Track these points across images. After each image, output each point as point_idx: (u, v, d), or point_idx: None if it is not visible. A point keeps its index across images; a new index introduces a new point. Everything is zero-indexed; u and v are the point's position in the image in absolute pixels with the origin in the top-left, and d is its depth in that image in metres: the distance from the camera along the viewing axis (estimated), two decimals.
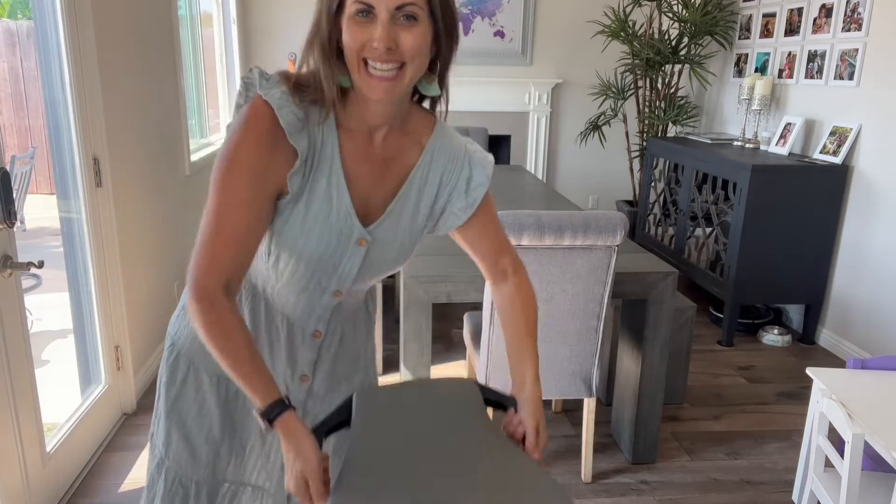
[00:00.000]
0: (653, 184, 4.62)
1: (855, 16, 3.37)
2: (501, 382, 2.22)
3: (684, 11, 4.58)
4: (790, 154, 3.72)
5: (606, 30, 4.74)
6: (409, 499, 0.91)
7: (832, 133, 3.49)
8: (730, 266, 3.52)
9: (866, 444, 1.84)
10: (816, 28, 3.67)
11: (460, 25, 0.93)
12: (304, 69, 0.99)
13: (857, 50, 3.35)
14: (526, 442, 1.09)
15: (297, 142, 0.97)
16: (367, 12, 0.91)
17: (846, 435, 1.71)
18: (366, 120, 1.03)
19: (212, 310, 0.96)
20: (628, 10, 5.25)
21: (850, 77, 3.39)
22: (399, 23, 0.92)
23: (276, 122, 0.96)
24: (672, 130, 5.15)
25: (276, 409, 1.00)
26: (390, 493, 0.92)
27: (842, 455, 1.79)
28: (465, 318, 2.60)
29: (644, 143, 4.97)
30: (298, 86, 0.98)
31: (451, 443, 0.99)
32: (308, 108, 0.99)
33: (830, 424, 1.91)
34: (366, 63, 0.93)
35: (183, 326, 1.19)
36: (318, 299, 1.13)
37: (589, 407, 2.30)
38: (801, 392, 3.08)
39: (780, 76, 4.00)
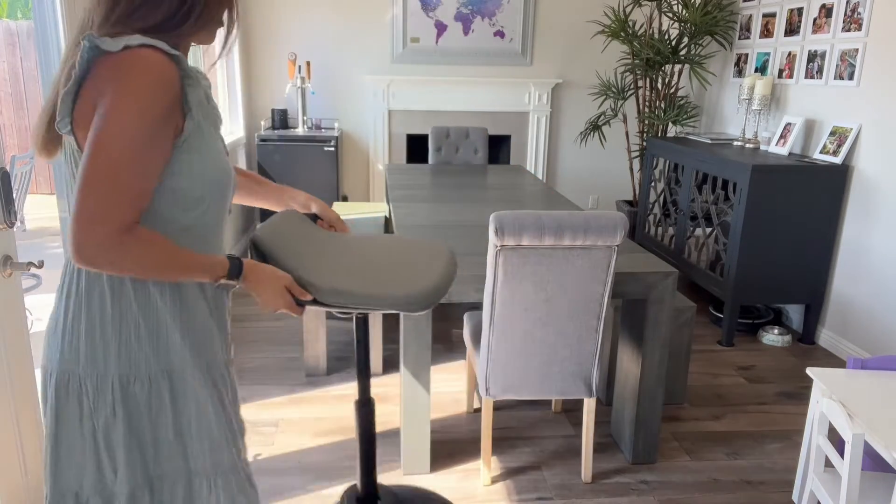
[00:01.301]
0: (653, 184, 4.62)
1: (855, 16, 3.37)
2: (502, 382, 2.22)
3: (684, 11, 4.58)
4: (790, 154, 3.72)
5: (606, 30, 4.74)
6: (342, 245, 1.47)
7: (832, 133, 3.50)
8: (730, 266, 3.52)
9: (866, 444, 1.84)
10: (816, 28, 3.67)
11: None
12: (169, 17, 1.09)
13: (857, 50, 3.35)
14: (338, 227, 1.54)
15: (188, 78, 1.13)
16: None
17: (846, 435, 1.71)
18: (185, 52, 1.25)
19: (112, 247, 1.01)
20: (628, 10, 5.25)
21: (850, 77, 3.39)
22: None
23: (173, 65, 1.08)
24: (672, 130, 5.15)
25: (234, 263, 1.16)
26: (329, 250, 1.44)
27: (842, 455, 1.79)
28: (465, 318, 2.61)
29: (644, 143, 4.97)
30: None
31: (326, 234, 1.51)
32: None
33: (830, 424, 1.91)
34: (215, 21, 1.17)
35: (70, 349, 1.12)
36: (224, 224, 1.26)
37: (589, 407, 2.30)
38: (801, 392, 3.08)
39: (780, 76, 4.00)
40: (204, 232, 1.17)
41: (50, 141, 1.14)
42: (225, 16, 1.17)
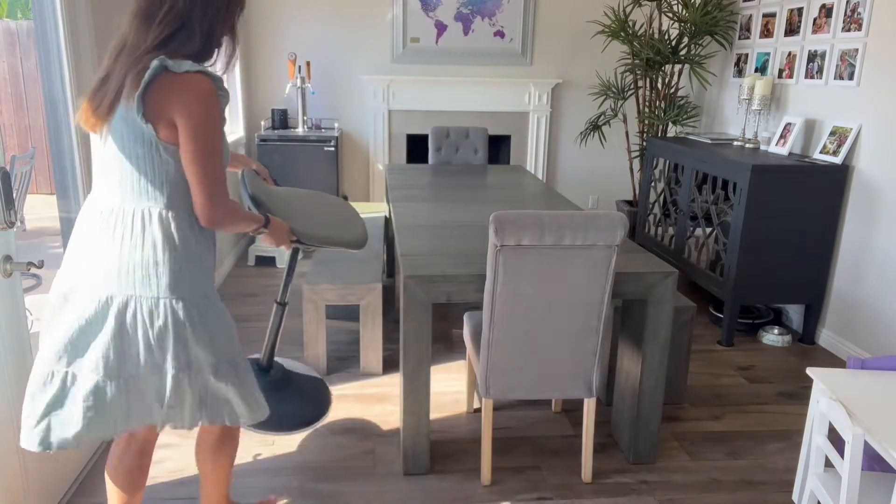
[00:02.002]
0: (653, 184, 4.62)
1: (855, 16, 3.37)
2: (502, 382, 2.22)
3: (684, 11, 4.58)
4: (790, 154, 3.72)
5: (606, 30, 4.74)
6: (297, 201, 2.19)
7: (832, 133, 3.49)
8: (730, 266, 3.52)
9: (866, 444, 1.84)
10: (816, 28, 3.67)
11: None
12: (204, 39, 1.51)
13: (857, 50, 3.35)
14: (267, 179, 2.14)
15: (223, 98, 1.54)
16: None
17: (846, 435, 1.71)
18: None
19: (226, 209, 1.54)
20: (628, 10, 5.25)
21: (850, 77, 3.39)
22: None
23: (219, 91, 1.52)
24: (672, 130, 5.15)
25: (266, 218, 1.76)
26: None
27: (842, 455, 1.79)
28: (465, 318, 2.60)
29: (644, 143, 4.97)
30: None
31: (281, 190, 2.21)
32: None
33: (830, 424, 1.91)
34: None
35: (180, 278, 1.55)
36: None
37: (589, 407, 2.30)
38: (801, 392, 3.08)
39: (780, 76, 4.00)
40: None
41: (101, 120, 1.50)
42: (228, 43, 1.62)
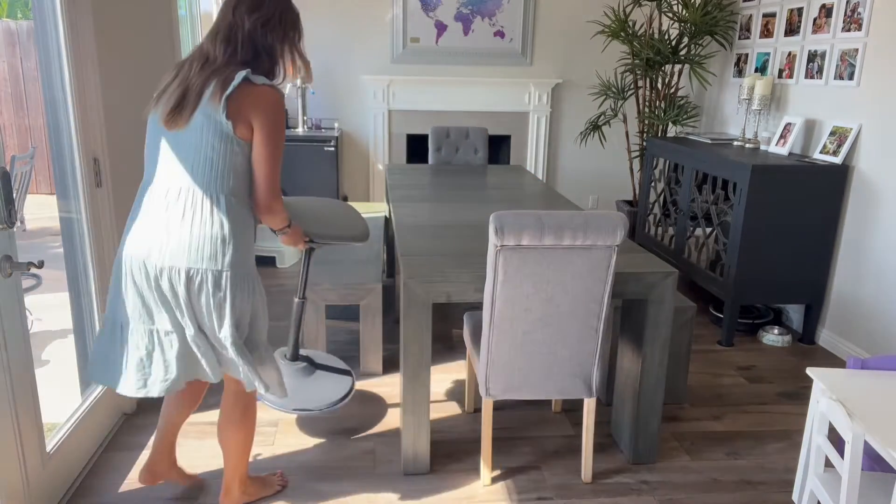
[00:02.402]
0: (653, 184, 4.62)
1: (855, 16, 3.37)
2: (502, 382, 2.22)
3: (684, 11, 4.58)
4: (790, 154, 3.72)
5: (606, 30, 4.74)
6: (308, 206, 2.45)
7: (832, 133, 3.49)
8: (730, 266, 3.52)
9: (866, 444, 1.84)
10: (816, 28, 3.67)
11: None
12: (271, 59, 1.87)
13: (857, 50, 3.35)
14: None
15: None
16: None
17: (846, 435, 1.71)
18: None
19: (280, 202, 1.84)
20: (628, 10, 5.25)
21: (850, 77, 3.39)
22: None
23: (282, 97, 1.81)
24: (672, 130, 5.15)
25: (288, 224, 1.96)
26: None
27: (842, 455, 1.79)
28: (465, 318, 2.60)
29: (644, 143, 4.97)
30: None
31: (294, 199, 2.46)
32: None
33: (830, 424, 1.91)
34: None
35: (238, 255, 1.79)
36: None
37: (589, 407, 2.30)
38: (801, 392, 3.08)
39: (780, 76, 4.00)
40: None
41: (183, 121, 1.75)
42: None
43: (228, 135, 1.72)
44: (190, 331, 1.79)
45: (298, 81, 2.06)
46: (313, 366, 2.68)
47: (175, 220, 1.74)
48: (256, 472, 2.35)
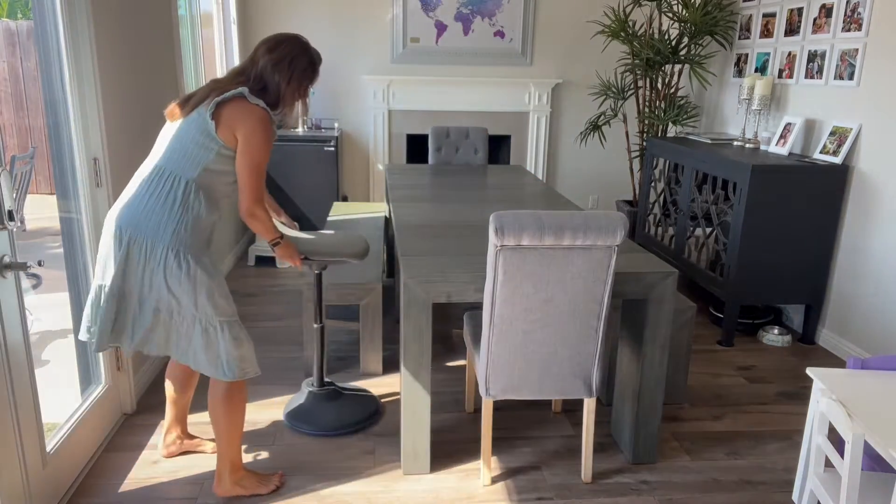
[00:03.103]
0: (653, 184, 4.62)
1: (855, 16, 3.37)
2: (502, 382, 2.22)
3: (684, 11, 4.58)
4: (790, 154, 3.72)
5: (606, 30, 4.74)
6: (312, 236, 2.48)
7: (832, 133, 3.49)
8: (730, 266, 3.52)
9: (866, 444, 1.84)
10: (816, 28, 3.67)
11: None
12: (276, 92, 2.09)
13: (857, 50, 3.35)
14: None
15: (274, 130, 2.03)
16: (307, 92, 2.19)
17: (846, 435, 1.71)
18: (278, 115, 2.14)
19: (262, 212, 2.01)
20: (628, 10, 5.25)
21: (850, 77, 3.39)
22: None
23: (272, 123, 2.02)
24: (672, 130, 5.15)
25: (280, 236, 2.15)
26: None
27: (842, 455, 1.79)
28: (465, 318, 2.60)
29: (644, 143, 4.97)
30: (259, 96, 2.05)
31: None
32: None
33: (830, 424, 1.91)
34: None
35: (181, 236, 1.95)
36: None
37: (589, 407, 2.30)
38: (801, 392, 3.08)
39: (780, 76, 4.00)
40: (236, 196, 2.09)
41: (181, 114, 1.99)
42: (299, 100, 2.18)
43: (209, 132, 1.93)
44: (107, 285, 1.96)
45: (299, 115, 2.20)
46: (340, 391, 2.77)
47: (140, 190, 1.97)
48: (256, 472, 2.35)
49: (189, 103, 1.99)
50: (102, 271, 1.99)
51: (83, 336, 2.04)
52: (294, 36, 2.12)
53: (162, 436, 2.44)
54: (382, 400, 2.90)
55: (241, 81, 2.02)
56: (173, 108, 2.03)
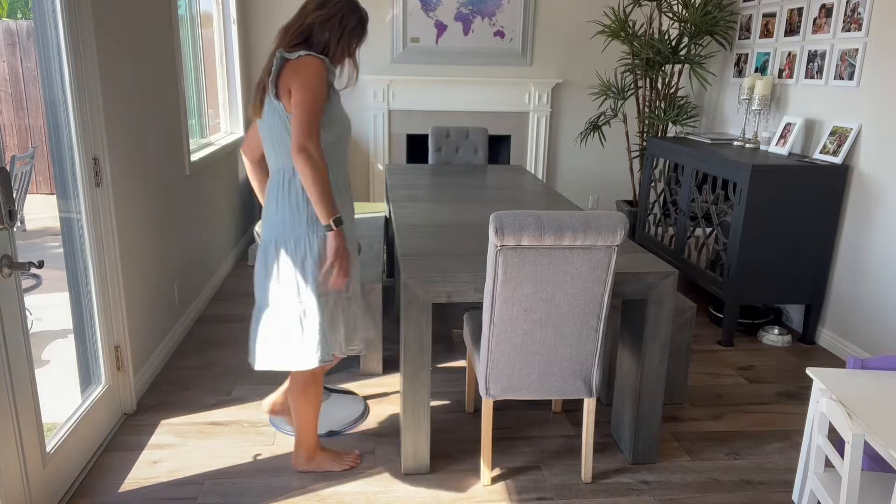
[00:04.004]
0: (653, 184, 4.62)
1: (855, 16, 3.37)
2: (502, 382, 2.22)
3: (684, 11, 4.58)
4: (790, 154, 3.72)
5: (606, 30, 4.74)
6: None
7: (832, 133, 3.49)
8: (730, 266, 3.52)
9: (866, 444, 1.84)
10: (816, 28, 3.67)
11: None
12: (325, 46, 2.04)
13: (857, 50, 3.35)
14: None
15: (332, 73, 2.04)
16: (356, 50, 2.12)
17: (846, 435, 1.71)
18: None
19: (316, 152, 1.93)
20: (628, 10, 5.25)
21: (850, 77, 3.39)
22: None
23: (326, 67, 1.98)
24: (672, 130, 5.15)
25: (338, 221, 2.00)
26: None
27: (842, 455, 1.79)
28: (465, 318, 2.60)
29: (644, 143, 4.97)
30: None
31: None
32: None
33: (830, 424, 1.91)
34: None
35: (298, 227, 2.05)
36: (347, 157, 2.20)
37: (589, 407, 2.30)
38: (801, 392, 3.08)
39: (780, 76, 4.00)
40: (335, 155, 2.09)
41: (261, 107, 2.04)
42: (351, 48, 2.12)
43: (281, 112, 1.98)
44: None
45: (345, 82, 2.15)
46: (328, 391, 2.78)
47: (268, 201, 2.09)
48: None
49: (258, 95, 2.04)
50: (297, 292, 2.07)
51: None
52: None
53: (275, 394, 2.58)
54: (382, 400, 2.90)
55: (284, 38, 2.01)
56: (254, 104, 2.07)
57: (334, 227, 1.98)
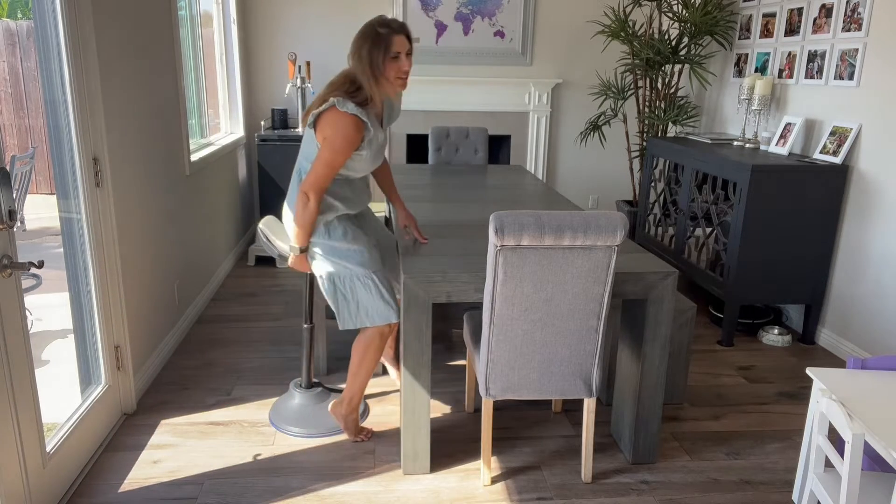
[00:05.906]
0: (653, 184, 4.62)
1: (855, 16, 3.37)
2: (502, 382, 2.22)
3: (684, 11, 4.58)
4: (790, 154, 3.72)
5: (606, 30, 4.74)
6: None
7: (832, 133, 3.49)
8: (730, 266, 3.52)
9: (866, 444, 1.84)
10: (816, 28, 3.67)
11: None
12: (363, 86, 2.25)
13: (857, 50, 3.35)
14: (416, 230, 2.59)
15: (367, 128, 2.27)
16: (397, 56, 2.21)
17: (846, 435, 1.71)
18: (375, 104, 2.31)
19: (314, 201, 2.26)
20: (628, 10, 5.25)
21: (850, 77, 3.39)
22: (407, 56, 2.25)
23: (360, 123, 2.22)
24: (672, 130, 5.15)
25: (303, 249, 2.37)
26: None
27: (842, 455, 1.79)
28: (465, 318, 2.60)
29: (644, 143, 4.97)
30: (351, 97, 2.23)
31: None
32: (361, 106, 2.24)
33: (830, 424, 1.91)
34: (395, 76, 2.25)
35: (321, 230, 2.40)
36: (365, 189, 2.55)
37: (589, 407, 2.30)
38: (801, 392, 3.08)
39: (780, 76, 4.00)
40: (356, 181, 2.45)
41: (304, 123, 2.34)
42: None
43: (313, 138, 2.29)
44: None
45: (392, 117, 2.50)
46: (326, 393, 2.78)
47: (290, 193, 2.42)
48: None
49: (307, 114, 2.32)
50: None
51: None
52: (364, 25, 2.23)
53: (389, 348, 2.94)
54: (382, 400, 2.90)
55: (337, 88, 2.25)
56: (303, 115, 2.41)
57: (299, 252, 2.36)
